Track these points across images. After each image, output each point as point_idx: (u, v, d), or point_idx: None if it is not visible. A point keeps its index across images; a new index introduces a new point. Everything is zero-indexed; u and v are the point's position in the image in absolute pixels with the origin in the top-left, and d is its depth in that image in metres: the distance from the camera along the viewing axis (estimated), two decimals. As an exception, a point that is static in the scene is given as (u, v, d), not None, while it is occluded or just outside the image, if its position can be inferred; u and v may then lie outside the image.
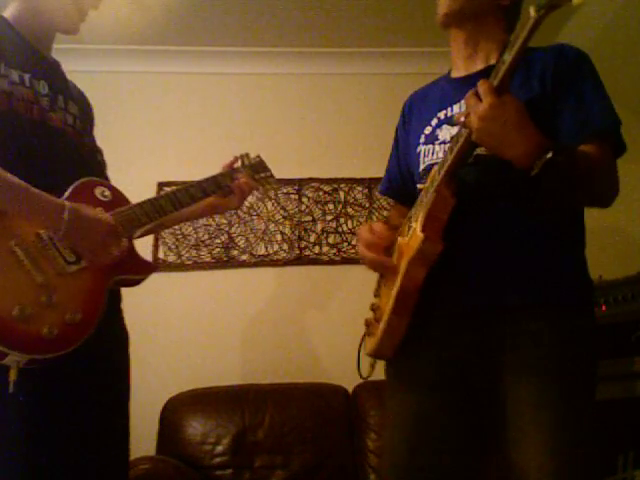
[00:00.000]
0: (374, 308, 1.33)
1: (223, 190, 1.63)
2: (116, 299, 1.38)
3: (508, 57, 1.02)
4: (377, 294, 1.38)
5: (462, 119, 1.10)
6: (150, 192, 2.76)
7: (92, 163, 1.42)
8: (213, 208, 1.68)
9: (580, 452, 1.10)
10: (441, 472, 1.19)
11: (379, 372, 1.36)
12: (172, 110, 2.94)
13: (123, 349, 1.40)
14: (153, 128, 2.88)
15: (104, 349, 1.27)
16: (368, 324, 1.34)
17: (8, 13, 1.33)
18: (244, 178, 1.67)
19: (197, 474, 2.22)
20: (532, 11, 0.96)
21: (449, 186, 1.17)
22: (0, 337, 1.04)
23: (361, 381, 2.43)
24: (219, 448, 2.29)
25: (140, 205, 1.38)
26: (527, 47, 1.01)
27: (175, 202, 1.46)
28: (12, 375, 1.07)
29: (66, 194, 1.25)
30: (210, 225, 2.84)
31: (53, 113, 1.31)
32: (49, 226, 1.17)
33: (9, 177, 1.13)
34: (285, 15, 2.70)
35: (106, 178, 1.47)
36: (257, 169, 1.78)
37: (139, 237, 1.44)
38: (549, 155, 1.02)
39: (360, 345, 1.36)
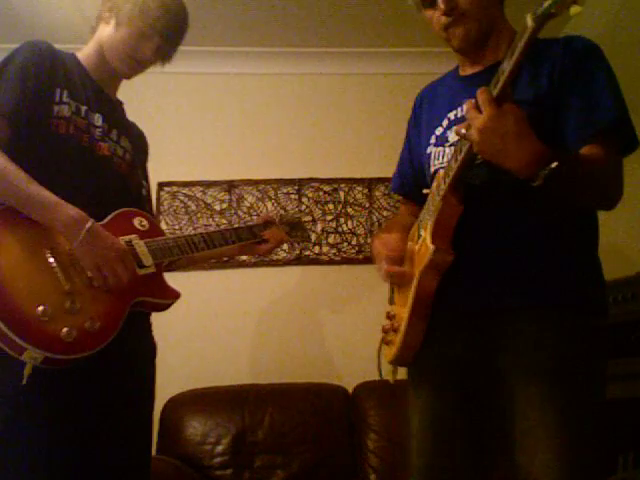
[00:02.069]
0: (390, 316, 1.33)
1: (256, 239, 1.78)
2: (147, 313, 1.49)
3: (507, 66, 0.98)
4: (391, 302, 1.38)
5: (462, 131, 1.07)
6: (150, 192, 2.76)
7: (136, 194, 1.52)
8: (243, 250, 1.82)
9: (585, 452, 1.09)
10: (450, 473, 1.20)
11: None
12: (171, 110, 2.93)
13: (151, 359, 1.52)
14: (152, 128, 2.86)
15: (134, 358, 1.40)
16: (385, 331, 1.34)
17: (82, 54, 1.49)
18: (280, 232, 1.83)
19: (197, 474, 2.22)
20: (529, 20, 0.91)
21: (455, 193, 1.16)
22: (19, 331, 1.10)
23: (361, 381, 2.45)
24: (219, 448, 2.29)
25: (174, 238, 1.51)
26: (533, 45, 0.95)
27: (208, 241, 1.59)
28: (27, 370, 1.12)
29: (106, 220, 1.35)
30: (210, 225, 2.84)
31: (103, 142, 1.42)
32: (67, 237, 1.24)
33: (39, 190, 1.22)
34: (285, 15, 2.70)
35: (148, 211, 1.56)
36: (295, 227, 1.96)
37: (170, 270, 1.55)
38: (554, 165, 1.00)
39: (379, 350, 1.37)
